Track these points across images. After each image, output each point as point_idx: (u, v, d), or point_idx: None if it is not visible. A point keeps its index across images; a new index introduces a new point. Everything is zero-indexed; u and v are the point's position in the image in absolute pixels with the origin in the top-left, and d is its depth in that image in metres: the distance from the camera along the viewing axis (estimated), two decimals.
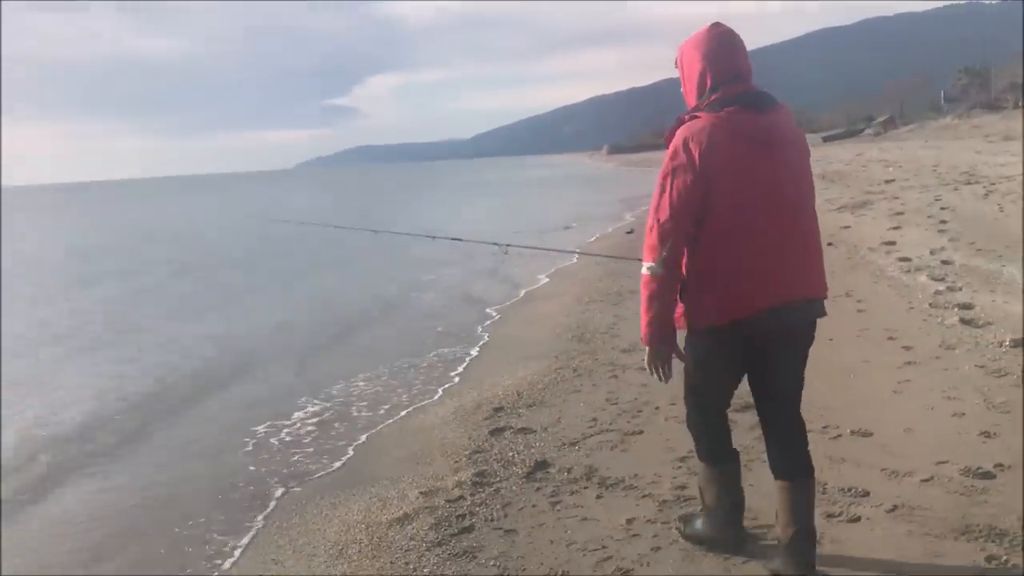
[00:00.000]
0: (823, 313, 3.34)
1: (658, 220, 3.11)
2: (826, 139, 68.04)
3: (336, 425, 6.35)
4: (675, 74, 3.34)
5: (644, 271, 3.16)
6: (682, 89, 3.31)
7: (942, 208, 14.13)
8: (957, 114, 62.37)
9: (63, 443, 6.37)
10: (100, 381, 8.30)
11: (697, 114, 3.11)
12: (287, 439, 6.11)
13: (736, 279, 3.11)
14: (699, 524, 3.65)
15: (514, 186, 56.84)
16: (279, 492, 5.09)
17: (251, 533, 4.52)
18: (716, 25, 3.21)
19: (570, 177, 64.30)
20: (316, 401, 7.02)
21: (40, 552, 4.57)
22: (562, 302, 10.36)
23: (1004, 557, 3.29)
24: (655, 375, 3.29)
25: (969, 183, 17.58)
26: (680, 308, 3.25)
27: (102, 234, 32.65)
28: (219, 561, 4.25)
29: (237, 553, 4.30)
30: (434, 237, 6.67)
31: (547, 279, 12.95)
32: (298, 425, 6.43)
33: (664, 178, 3.10)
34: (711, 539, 3.59)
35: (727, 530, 3.55)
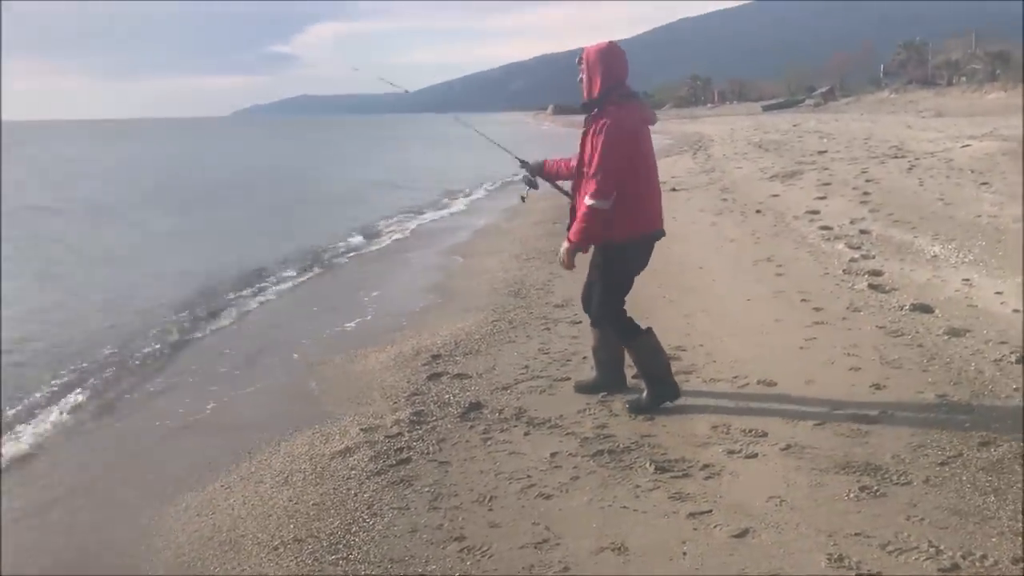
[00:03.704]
0: (663, 235, 5.01)
1: (604, 177, 4.59)
2: (766, 108, 69.24)
3: (281, 363, 6.65)
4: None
5: (595, 205, 4.63)
6: (582, 77, 4.81)
7: (867, 180, 14.79)
8: (894, 88, 63.96)
9: None
10: None
11: (612, 106, 4.69)
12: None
13: (646, 211, 4.81)
14: (644, 396, 4.93)
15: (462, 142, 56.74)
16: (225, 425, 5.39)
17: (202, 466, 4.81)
18: (612, 44, 4.81)
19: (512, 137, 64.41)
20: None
21: None
22: (501, 259, 10.70)
23: (875, 487, 3.77)
24: (568, 264, 4.90)
25: (896, 157, 18.34)
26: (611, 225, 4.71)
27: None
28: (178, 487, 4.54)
29: (196, 480, 4.58)
30: None
31: (488, 237, 13.30)
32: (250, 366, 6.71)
33: (610, 147, 4.59)
34: (658, 396, 4.89)
35: (668, 385, 4.91)
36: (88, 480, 4.74)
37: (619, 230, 4.77)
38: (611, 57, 4.76)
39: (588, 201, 4.65)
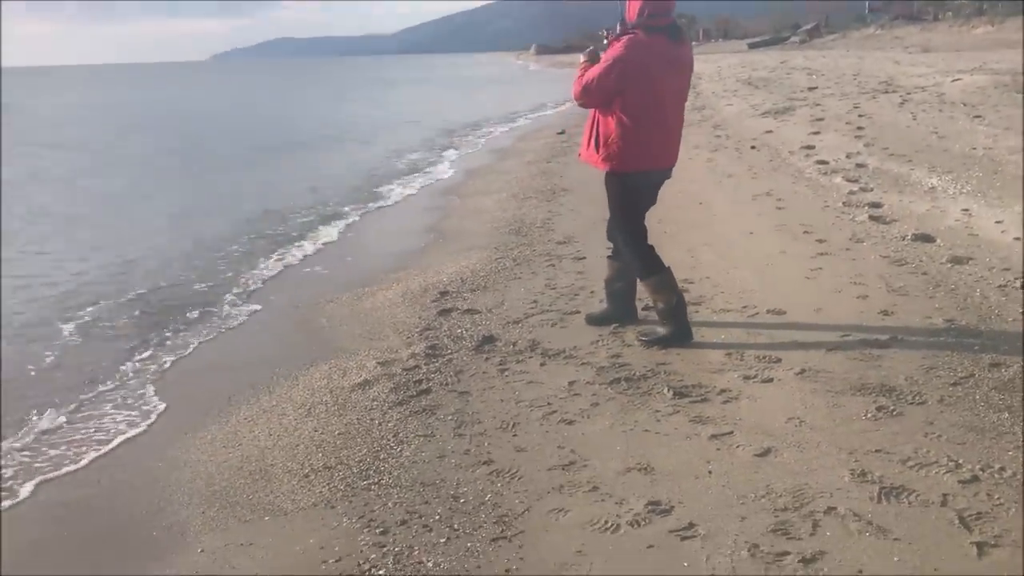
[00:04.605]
0: (670, 176, 5.06)
1: (592, 80, 4.71)
2: (751, 46, 68.56)
3: (289, 301, 6.69)
4: None
5: (576, 99, 4.89)
6: (627, 4, 4.75)
7: (860, 115, 14.78)
8: (880, 24, 63.40)
9: None
10: None
11: (636, 31, 4.66)
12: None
13: (652, 148, 4.79)
14: (659, 330, 4.93)
15: (453, 84, 56.10)
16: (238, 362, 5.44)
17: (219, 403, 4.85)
18: None
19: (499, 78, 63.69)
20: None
21: None
22: (499, 198, 10.68)
23: (892, 407, 3.87)
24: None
25: (887, 92, 18.30)
26: (608, 153, 4.79)
27: None
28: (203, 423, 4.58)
29: (218, 413, 4.63)
30: None
31: (482, 177, 13.25)
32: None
33: (610, 61, 4.65)
34: (673, 336, 4.86)
35: (682, 326, 4.88)
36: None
37: (619, 161, 4.81)
38: None
39: (575, 88, 4.86)
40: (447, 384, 4.59)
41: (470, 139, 19.63)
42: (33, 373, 5.51)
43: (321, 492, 3.55)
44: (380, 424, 4.15)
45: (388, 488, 3.52)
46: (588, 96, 4.79)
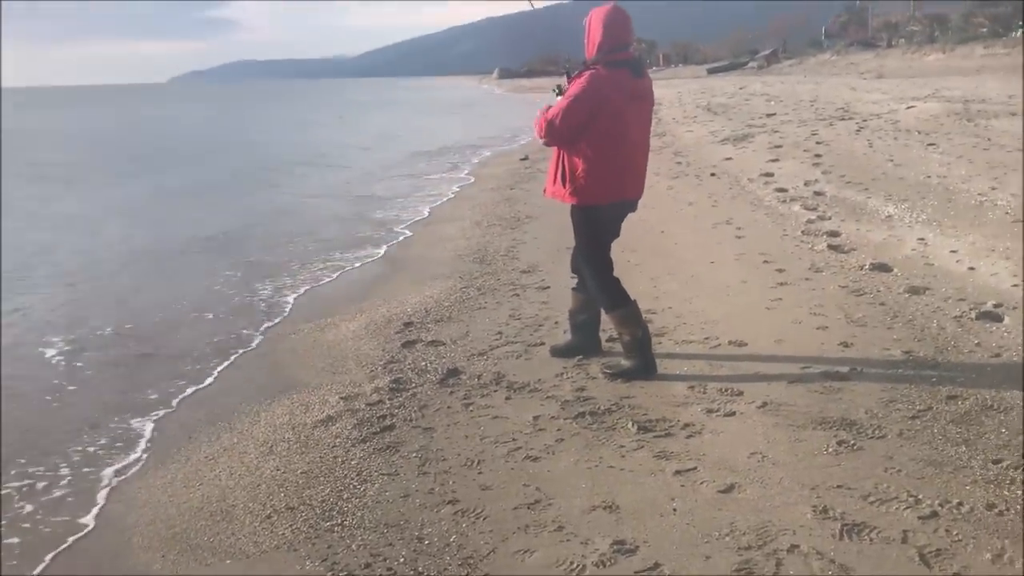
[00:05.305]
0: (635, 209, 5.13)
1: (556, 118, 4.71)
2: (711, 71, 69.62)
3: (249, 333, 6.61)
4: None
5: (542, 134, 4.85)
6: (585, 40, 4.81)
7: (817, 143, 15.02)
8: (836, 50, 64.70)
9: None
10: None
11: (598, 66, 4.70)
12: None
13: (616, 180, 4.83)
14: (624, 362, 4.94)
15: (411, 107, 56.14)
16: (199, 398, 5.36)
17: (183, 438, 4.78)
18: (617, 7, 4.77)
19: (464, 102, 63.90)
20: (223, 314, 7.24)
21: None
22: (462, 226, 10.69)
23: (852, 441, 3.91)
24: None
25: (843, 119, 18.63)
26: (576, 187, 4.83)
27: None
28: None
29: (178, 451, 4.56)
30: None
31: (447, 202, 13.25)
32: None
33: (572, 97, 4.68)
34: (637, 369, 4.88)
35: (646, 359, 4.90)
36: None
37: (586, 195, 4.85)
38: (610, 21, 4.72)
39: (542, 123, 4.80)
40: (411, 420, 4.56)
41: (462, 162, 19.62)
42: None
43: (283, 534, 3.51)
44: (343, 462, 4.11)
45: (352, 529, 3.49)
46: (552, 133, 4.79)
